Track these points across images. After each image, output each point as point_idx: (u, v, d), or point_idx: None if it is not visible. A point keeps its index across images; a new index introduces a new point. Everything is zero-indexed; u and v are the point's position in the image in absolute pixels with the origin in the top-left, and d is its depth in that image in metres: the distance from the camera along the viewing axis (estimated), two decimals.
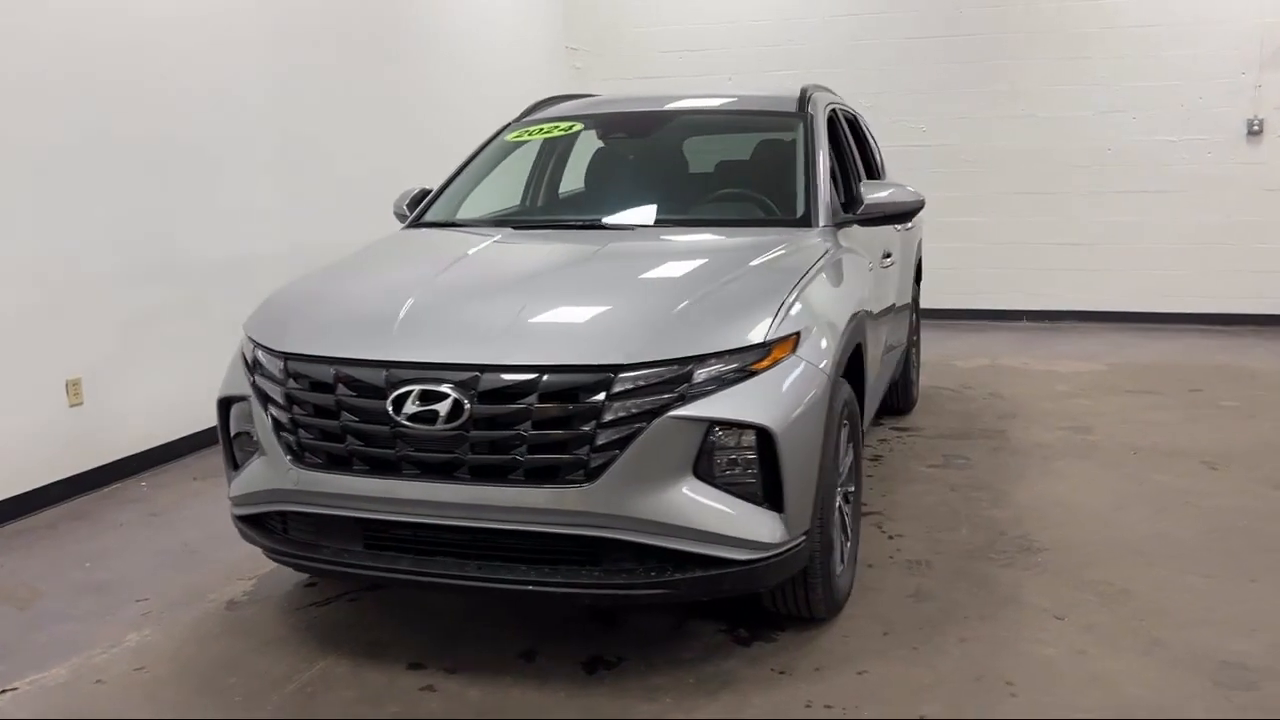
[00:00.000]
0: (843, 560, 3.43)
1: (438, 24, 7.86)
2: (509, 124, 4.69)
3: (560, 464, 2.76)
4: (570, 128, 4.54)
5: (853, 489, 3.58)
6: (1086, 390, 6.63)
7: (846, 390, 3.34)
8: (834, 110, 4.71)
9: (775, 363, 2.90)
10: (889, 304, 4.56)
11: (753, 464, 2.84)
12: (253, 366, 3.16)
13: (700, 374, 2.80)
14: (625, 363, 2.76)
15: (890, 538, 4.11)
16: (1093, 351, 7.87)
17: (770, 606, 3.27)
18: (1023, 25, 8.94)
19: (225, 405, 3.28)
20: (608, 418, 2.74)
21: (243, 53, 5.76)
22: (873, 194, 3.91)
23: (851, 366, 3.59)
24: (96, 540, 4.31)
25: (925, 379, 6.85)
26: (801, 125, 4.23)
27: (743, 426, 2.79)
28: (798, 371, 2.93)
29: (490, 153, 4.55)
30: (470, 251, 3.69)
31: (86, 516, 4.61)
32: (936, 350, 7.94)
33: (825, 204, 3.88)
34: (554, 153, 4.90)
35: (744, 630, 3.31)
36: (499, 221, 4.18)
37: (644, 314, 2.95)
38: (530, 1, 9.51)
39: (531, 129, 4.57)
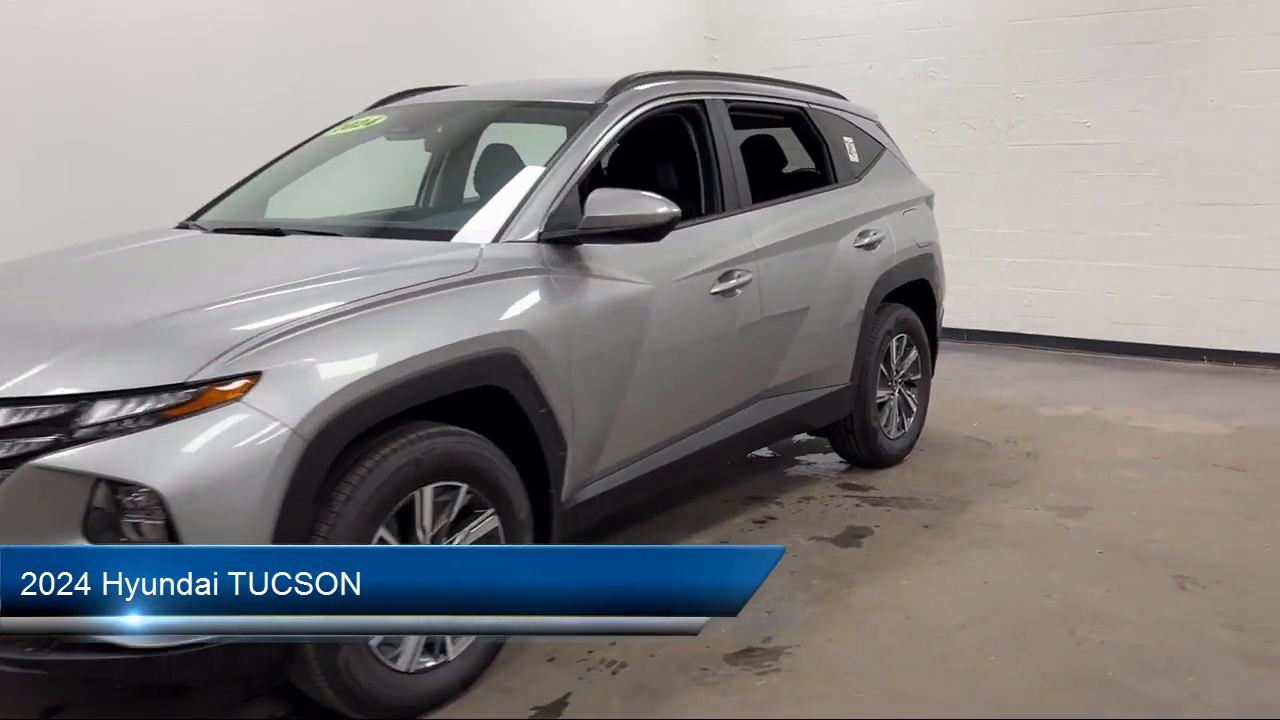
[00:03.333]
0: (441, 651, 2.81)
1: (574, 20, 7.84)
2: (346, 119, 4.32)
3: None
4: (371, 122, 4.10)
5: None
6: (1159, 458, 5.16)
7: (448, 445, 2.75)
8: (700, 104, 3.96)
9: (203, 409, 2.38)
10: (713, 334, 3.75)
11: (160, 530, 2.34)
12: None
13: (95, 415, 2.35)
14: None
15: None
16: (1242, 408, 6.15)
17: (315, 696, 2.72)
18: None
19: None
20: None
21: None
22: (596, 208, 3.19)
23: (509, 414, 2.98)
24: None
25: (973, 427, 5.70)
26: (582, 122, 3.54)
27: (117, 484, 2.31)
28: (236, 422, 2.39)
29: (311, 149, 4.19)
30: (91, 256, 3.40)
31: None
32: (1035, 391, 6.61)
33: (532, 216, 3.21)
34: (446, 152, 4.46)
35: (302, 718, 2.81)
36: (235, 227, 3.77)
37: (46, 341, 2.54)
38: None
39: (348, 125, 4.19)
